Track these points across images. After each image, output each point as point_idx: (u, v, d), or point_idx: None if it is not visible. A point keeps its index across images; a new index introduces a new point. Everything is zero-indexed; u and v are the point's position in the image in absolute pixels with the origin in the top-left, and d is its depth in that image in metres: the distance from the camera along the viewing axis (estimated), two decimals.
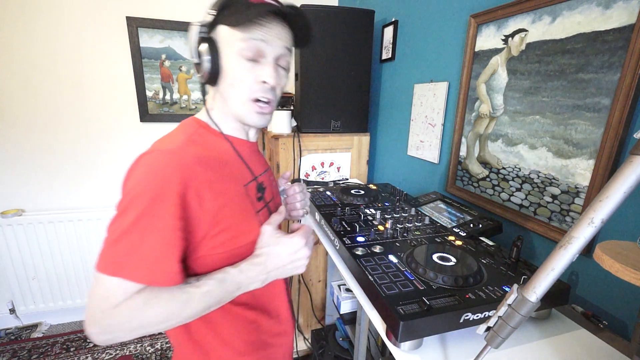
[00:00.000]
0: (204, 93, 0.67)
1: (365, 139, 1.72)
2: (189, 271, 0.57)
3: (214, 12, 0.58)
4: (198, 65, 0.60)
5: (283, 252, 0.59)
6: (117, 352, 1.90)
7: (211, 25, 0.58)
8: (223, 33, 0.58)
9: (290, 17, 0.59)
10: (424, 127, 1.36)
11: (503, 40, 0.94)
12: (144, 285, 0.48)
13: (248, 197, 0.62)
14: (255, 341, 0.66)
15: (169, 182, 0.50)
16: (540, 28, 0.83)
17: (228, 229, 0.57)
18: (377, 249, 0.77)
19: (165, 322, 0.50)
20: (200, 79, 0.62)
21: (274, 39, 0.57)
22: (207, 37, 0.59)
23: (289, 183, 0.87)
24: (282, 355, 0.74)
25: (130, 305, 0.47)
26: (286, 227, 1.66)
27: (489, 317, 0.57)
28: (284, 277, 0.63)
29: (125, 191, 0.51)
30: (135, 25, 1.84)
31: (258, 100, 0.60)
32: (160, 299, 0.49)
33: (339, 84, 1.55)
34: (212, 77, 0.60)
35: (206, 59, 0.58)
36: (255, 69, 0.58)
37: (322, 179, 1.70)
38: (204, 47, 0.58)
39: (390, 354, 0.65)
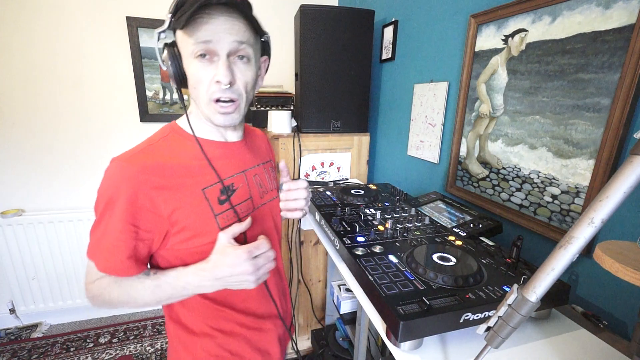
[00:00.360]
0: (181, 98, 0.67)
1: (365, 139, 1.72)
2: (163, 260, 0.64)
3: (170, 16, 0.57)
4: (165, 71, 0.62)
5: (225, 264, 0.57)
6: (117, 352, 1.90)
7: (173, 30, 0.59)
8: (178, 37, 0.59)
9: (237, 8, 0.56)
10: (424, 127, 1.36)
11: (503, 40, 0.94)
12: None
13: (206, 200, 0.62)
14: (224, 329, 0.69)
15: (118, 190, 0.56)
16: (540, 28, 0.83)
17: (185, 229, 0.60)
18: (377, 249, 0.77)
19: (127, 304, 0.59)
20: (172, 84, 0.64)
21: (222, 35, 0.56)
22: (170, 42, 0.60)
23: (288, 177, 0.82)
24: (256, 348, 0.74)
25: (99, 285, 0.59)
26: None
27: (489, 317, 0.57)
28: (234, 289, 0.61)
29: (99, 187, 0.59)
30: (135, 25, 1.84)
31: (219, 101, 0.60)
32: (120, 285, 0.59)
33: (339, 84, 1.56)
34: (177, 81, 0.61)
35: (168, 64, 0.60)
36: (209, 69, 0.58)
37: (322, 179, 1.70)
38: (165, 52, 0.60)
39: (390, 354, 0.65)
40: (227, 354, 0.69)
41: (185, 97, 2.07)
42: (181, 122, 0.67)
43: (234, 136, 0.71)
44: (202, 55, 0.57)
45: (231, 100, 0.60)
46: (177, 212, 0.59)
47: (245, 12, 0.57)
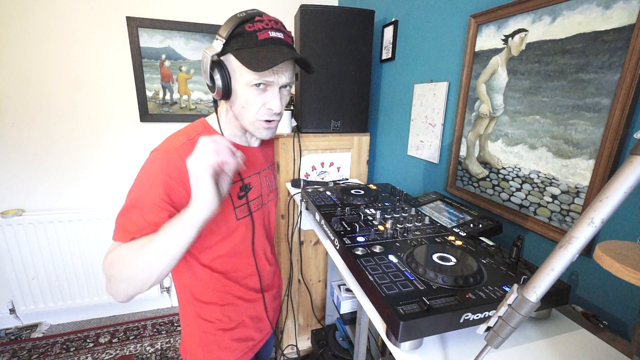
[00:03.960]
0: (216, 105, 0.76)
1: (365, 139, 1.72)
2: None
3: (223, 40, 0.66)
4: (211, 86, 0.71)
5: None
6: (117, 352, 1.90)
7: (221, 51, 0.67)
8: (234, 63, 0.67)
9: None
10: (424, 127, 1.36)
11: (503, 40, 0.94)
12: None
13: (229, 194, 0.74)
14: (225, 301, 0.83)
15: (161, 175, 0.65)
16: (540, 28, 0.83)
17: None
18: (377, 249, 0.77)
19: (149, 255, 0.59)
20: (214, 96, 0.72)
21: (280, 76, 0.69)
22: (217, 60, 0.68)
23: None
24: (249, 315, 0.88)
25: (127, 246, 0.62)
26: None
27: (489, 317, 0.57)
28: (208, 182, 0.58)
29: (138, 175, 0.67)
30: (135, 25, 1.84)
31: (266, 121, 0.72)
32: (128, 247, 0.62)
33: (339, 84, 1.56)
34: (225, 96, 0.71)
35: (219, 83, 0.68)
36: (263, 97, 0.70)
37: (322, 179, 1.70)
38: (216, 71, 0.68)
39: (390, 354, 0.65)
40: (226, 318, 0.84)
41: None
42: (211, 121, 0.78)
43: (255, 142, 0.85)
44: (257, 85, 0.68)
45: (274, 120, 0.74)
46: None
47: (296, 59, 0.70)
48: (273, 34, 0.66)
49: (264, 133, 0.74)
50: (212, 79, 0.69)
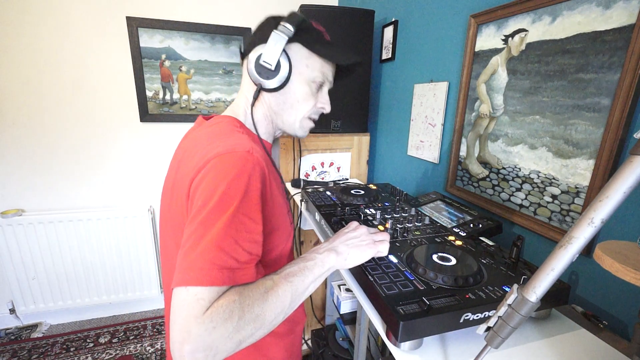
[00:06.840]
0: (256, 97, 0.65)
1: (365, 139, 1.72)
2: None
3: (293, 29, 0.60)
4: (262, 69, 0.61)
5: (343, 232, 0.65)
6: (117, 352, 1.90)
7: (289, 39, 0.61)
8: (301, 54, 0.63)
9: None
10: (424, 127, 1.36)
11: (503, 40, 0.94)
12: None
13: (284, 197, 0.65)
14: (288, 329, 0.72)
15: (250, 181, 0.49)
16: (540, 28, 0.83)
17: (275, 229, 0.59)
18: None
19: (271, 308, 0.49)
20: (267, 85, 0.62)
21: (331, 77, 0.70)
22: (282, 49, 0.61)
23: None
24: (299, 341, 0.78)
25: (230, 299, 0.45)
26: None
27: (489, 317, 0.57)
28: (362, 251, 0.63)
29: (210, 191, 0.47)
30: (135, 25, 1.84)
31: (313, 120, 0.70)
32: (252, 290, 0.49)
33: (338, 84, 1.54)
34: (279, 88, 0.63)
35: (285, 71, 0.61)
36: (317, 96, 0.68)
37: (322, 179, 1.70)
38: (284, 59, 0.61)
39: (390, 354, 0.65)
40: (264, 358, 0.68)
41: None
42: (241, 118, 0.67)
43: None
44: (319, 82, 0.66)
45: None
46: (273, 210, 0.58)
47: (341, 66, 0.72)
48: (328, 37, 0.65)
49: (306, 131, 0.70)
50: (276, 66, 0.60)
